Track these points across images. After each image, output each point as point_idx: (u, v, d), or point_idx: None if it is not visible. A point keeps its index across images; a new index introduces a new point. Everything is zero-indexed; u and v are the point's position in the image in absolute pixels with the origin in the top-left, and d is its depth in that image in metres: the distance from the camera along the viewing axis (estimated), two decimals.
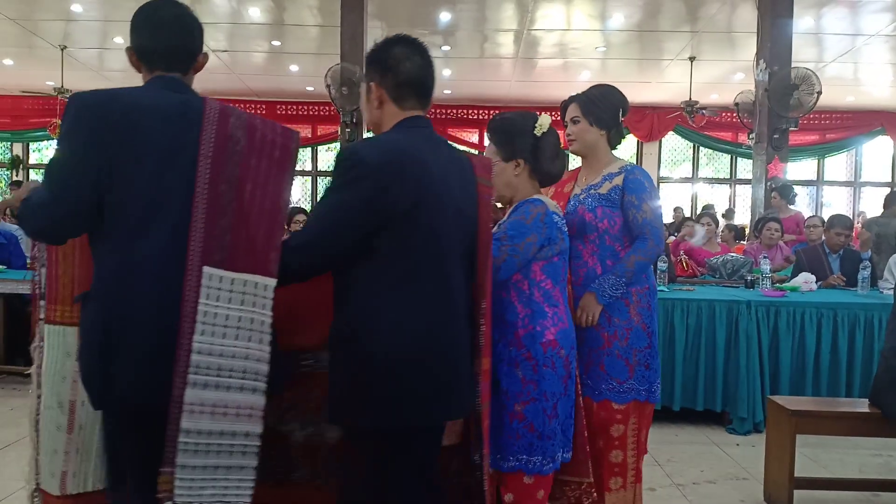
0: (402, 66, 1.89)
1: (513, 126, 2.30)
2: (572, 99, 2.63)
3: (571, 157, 2.62)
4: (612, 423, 2.48)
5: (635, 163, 13.32)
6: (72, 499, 1.88)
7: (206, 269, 1.58)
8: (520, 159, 2.26)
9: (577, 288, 2.50)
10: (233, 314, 1.60)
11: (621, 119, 2.61)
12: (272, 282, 1.65)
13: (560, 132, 2.38)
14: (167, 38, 1.77)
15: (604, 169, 2.59)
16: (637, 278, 2.47)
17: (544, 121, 2.28)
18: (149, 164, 1.60)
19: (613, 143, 2.65)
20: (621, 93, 2.64)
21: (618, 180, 2.53)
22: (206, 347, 1.57)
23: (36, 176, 14.61)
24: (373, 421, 1.73)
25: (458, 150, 1.98)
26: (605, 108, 2.58)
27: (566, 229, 2.27)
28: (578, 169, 2.73)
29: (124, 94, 1.70)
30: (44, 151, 14.70)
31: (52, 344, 1.86)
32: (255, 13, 8.63)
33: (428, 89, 1.90)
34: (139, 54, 1.82)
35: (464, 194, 1.86)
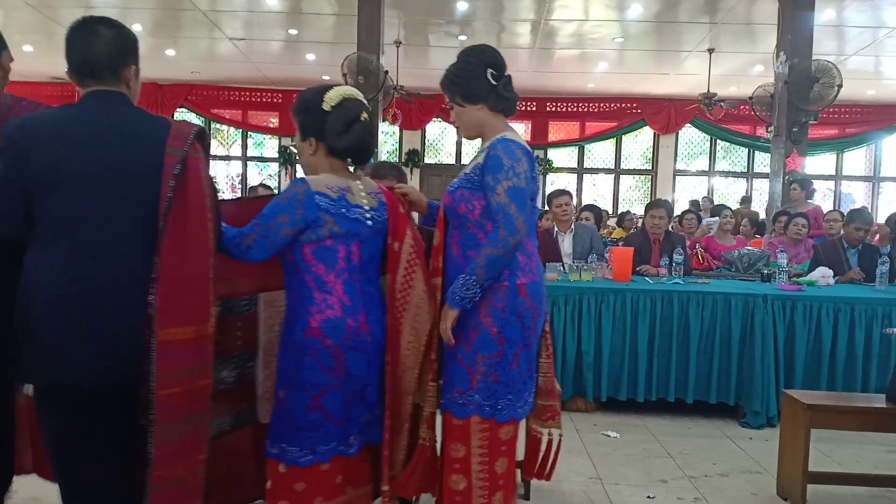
0: (73, 47, 1.95)
1: (302, 104, 2.20)
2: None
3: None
4: (451, 441, 2.17)
5: (651, 156, 13.32)
6: None
7: None
8: (311, 138, 2.18)
9: (446, 282, 2.22)
10: None
11: (494, 81, 2.22)
12: None
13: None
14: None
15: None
16: (491, 275, 2.08)
17: (332, 94, 2.14)
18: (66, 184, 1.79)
19: (500, 109, 2.27)
20: (484, 50, 2.28)
21: (481, 158, 2.20)
22: None
23: None
24: (24, 376, 1.85)
25: (159, 121, 1.93)
26: (468, 80, 2.23)
27: (350, 212, 2.10)
28: None
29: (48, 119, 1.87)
30: None
31: None
32: (273, 2, 8.64)
33: (90, 63, 1.92)
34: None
35: (135, 163, 1.84)
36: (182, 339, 1.81)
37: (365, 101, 2.23)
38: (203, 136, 1.91)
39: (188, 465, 1.87)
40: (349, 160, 2.21)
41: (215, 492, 2.22)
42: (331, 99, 2.14)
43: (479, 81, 2.22)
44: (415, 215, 2.45)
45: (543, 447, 2.45)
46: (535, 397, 2.33)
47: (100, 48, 1.91)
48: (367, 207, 2.15)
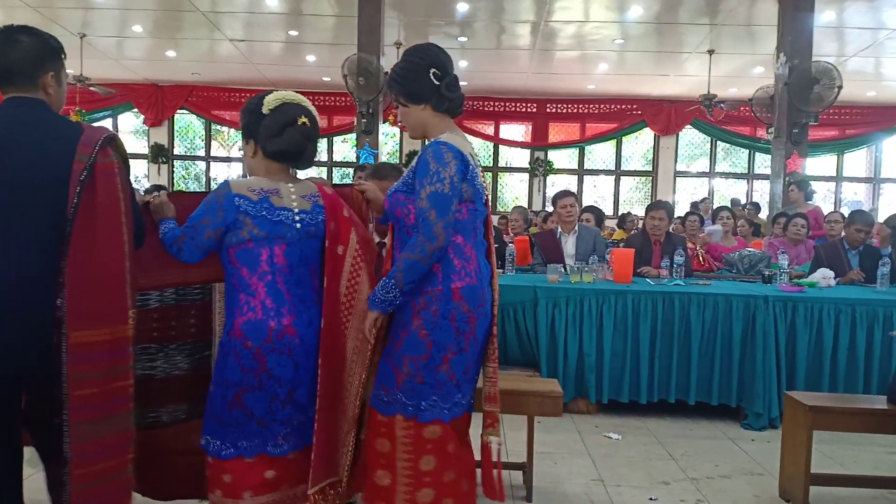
0: None
1: (246, 107, 2.24)
2: None
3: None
4: (377, 436, 2.17)
5: (652, 157, 13.31)
6: None
7: None
8: (251, 140, 2.22)
9: None
10: None
11: (437, 81, 2.19)
12: None
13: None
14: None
15: None
16: (410, 279, 2.07)
17: (272, 98, 2.18)
18: None
19: (444, 110, 2.24)
20: (429, 49, 2.25)
21: (415, 161, 2.18)
22: None
23: None
24: None
25: (73, 127, 1.98)
26: (410, 80, 2.21)
27: (272, 215, 2.11)
28: None
29: None
30: None
31: None
32: (273, 3, 8.63)
33: (7, 70, 1.99)
34: None
35: (44, 168, 1.88)
36: (96, 341, 1.86)
37: (308, 107, 2.25)
38: (113, 141, 1.96)
39: (113, 465, 1.91)
40: (287, 163, 2.24)
41: (180, 482, 2.34)
42: (270, 102, 2.18)
43: (421, 81, 2.20)
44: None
45: (495, 456, 2.34)
46: (484, 403, 2.28)
47: (16, 55, 1.99)
48: (296, 210, 2.16)
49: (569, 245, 5.28)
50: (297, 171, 2.32)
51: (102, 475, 1.88)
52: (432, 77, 2.19)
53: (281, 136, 2.16)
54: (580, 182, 14.04)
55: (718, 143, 13.80)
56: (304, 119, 2.19)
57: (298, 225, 2.15)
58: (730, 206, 9.51)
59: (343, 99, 12.74)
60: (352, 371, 2.21)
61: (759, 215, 9.87)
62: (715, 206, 9.82)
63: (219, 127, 14.09)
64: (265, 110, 2.17)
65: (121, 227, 1.92)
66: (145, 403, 2.28)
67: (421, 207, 2.06)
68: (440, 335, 2.11)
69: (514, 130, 14.11)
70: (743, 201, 12.82)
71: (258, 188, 2.13)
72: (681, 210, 10.60)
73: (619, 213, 11.94)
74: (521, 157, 14.23)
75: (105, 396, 1.87)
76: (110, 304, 1.89)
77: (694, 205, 11.33)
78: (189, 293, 2.38)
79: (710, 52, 9.87)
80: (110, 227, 1.90)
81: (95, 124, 13.50)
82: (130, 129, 14.48)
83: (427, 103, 2.22)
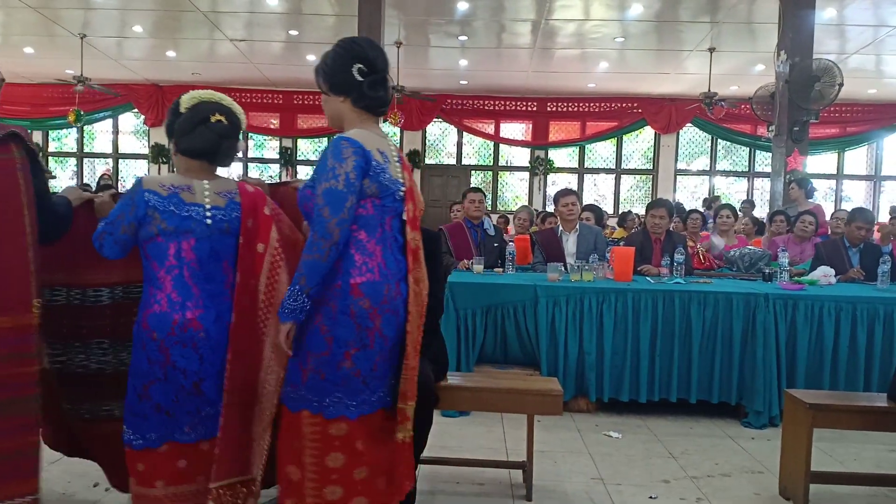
0: None
1: (171, 106, 2.32)
2: None
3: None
4: (286, 432, 2.16)
5: (652, 156, 13.28)
6: None
7: None
8: (171, 138, 2.31)
9: None
10: None
11: (360, 77, 2.17)
12: None
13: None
14: None
15: None
16: (314, 281, 2.03)
17: (188, 97, 2.26)
18: None
19: (363, 107, 2.21)
20: (358, 43, 2.24)
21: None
22: None
23: (55, 164, 14.74)
24: None
25: None
26: (334, 70, 2.20)
27: (181, 210, 2.16)
28: None
29: None
30: (63, 140, 14.83)
31: None
32: (273, 2, 8.64)
33: None
34: None
35: None
36: None
37: (227, 105, 2.30)
38: (15, 138, 2.08)
39: (15, 444, 2.04)
40: (202, 160, 2.27)
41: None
42: (185, 102, 2.26)
43: (344, 74, 2.19)
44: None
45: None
46: (400, 400, 2.21)
47: None
48: (208, 206, 2.21)
49: (570, 243, 5.28)
50: (219, 167, 2.35)
51: (4, 452, 2.01)
52: (356, 72, 2.18)
53: (192, 133, 2.22)
54: (580, 180, 14.04)
55: (719, 141, 13.80)
56: (218, 117, 2.24)
57: (209, 221, 2.19)
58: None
59: None
60: (269, 369, 2.21)
61: (753, 213, 9.86)
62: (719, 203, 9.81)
63: None
64: (182, 109, 2.25)
65: (22, 219, 2.04)
66: (101, 397, 2.44)
67: (316, 204, 2.05)
68: (340, 331, 2.09)
69: (515, 129, 14.12)
70: (744, 199, 12.83)
71: (169, 184, 2.19)
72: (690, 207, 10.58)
73: (620, 212, 11.94)
74: (522, 156, 14.23)
75: (8, 379, 2.00)
76: (12, 293, 2.02)
77: (707, 201, 11.33)
78: (132, 290, 2.47)
79: (711, 49, 9.88)
80: (12, 221, 2.03)
81: (96, 124, 13.42)
82: (131, 129, 14.50)
83: (347, 97, 2.21)
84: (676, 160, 13.76)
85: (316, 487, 2.10)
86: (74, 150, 14.61)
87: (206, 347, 2.15)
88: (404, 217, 2.22)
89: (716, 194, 12.81)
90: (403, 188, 2.22)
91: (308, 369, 2.11)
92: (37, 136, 14.30)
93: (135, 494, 2.21)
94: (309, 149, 14.21)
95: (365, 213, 2.13)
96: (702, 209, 9.38)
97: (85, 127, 13.90)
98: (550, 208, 11.40)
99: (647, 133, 13.83)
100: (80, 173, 14.35)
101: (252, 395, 2.21)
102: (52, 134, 14.55)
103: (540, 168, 13.78)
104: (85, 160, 14.53)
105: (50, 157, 14.59)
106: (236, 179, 2.36)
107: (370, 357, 2.13)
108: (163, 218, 2.14)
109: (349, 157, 2.07)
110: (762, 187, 13.43)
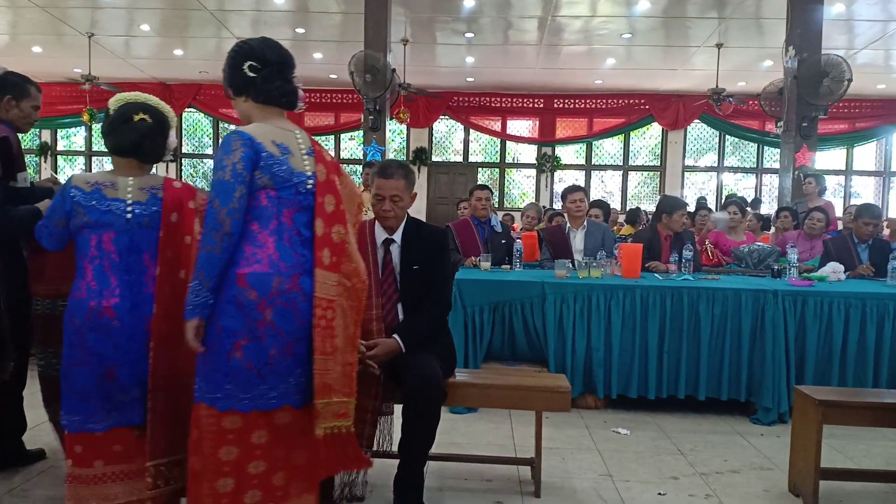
0: None
1: (104, 111, 2.48)
2: None
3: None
4: (191, 422, 2.14)
5: (660, 152, 13.21)
6: None
7: None
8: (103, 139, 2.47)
9: None
10: None
11: (252, 73, 2.23)
12: None
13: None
14: None
15: None
16: (211, 274, 2.04)
17: (115, 99, 2.44)
18: None
19: (264, 101, 2.26)
20: (247, 42, 2.29)
21: None
22: None
23: (64, 162, 14.81)
24: None
25: None
26: (230, 73, 2.26)
27: (101, 205, 2.31)
28: None
29: None
30: (72, 138, 14.90)
31: None
32: (280, 0, 8.65)
33: None
34: None
35: None
36: None
37: (152, 105, 2.46)
38: None
39: None
40: (127, 157, 2.40)
41: None
42: (113, 103, 2.43)
43: (238, 75, 2.25)
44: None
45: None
46: (315, 396, 2.12)
47: None
48: (129, 201, 2.34)
49: (577, 240, 5.27)
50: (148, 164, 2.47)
51: None
52: (247, 70, 2.23)
53: (116, 132, 2.38)
54: (588, 177, 14.02)
55: (727, 137, 13.76)
56: (141, 116, 2.39)
57: (129, 215, 2.33)
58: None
59: (350, 96, 12.75)
60: (190, 361, 2.24)
61: (760, 210, 9.85)
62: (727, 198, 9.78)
63: (227, 125, 14.13)
64: (110, 111, 2.42)
65: None
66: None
67: (209, 198, 2.09)
68: (228, 321, 2.07)
69: (522, 126, 14.10)
70: (753, 196, 12.79)
71: (94, 181, 2.35)
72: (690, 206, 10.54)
73: (628, 209, 11.92)
74: (529, 153, 14.22)
75: None
76: None
77: (730, 197, 11.24)
78: None
79: (719, 45, 9.84)
80: None
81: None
82: None
83: (247, 95, 2.25)
84: (684, 156, 13.72)
85: (211, 479, 2.07)
86: (83, 149, 14.67)
87: (121, 335, 2.25)
88: (327, 210, 2.19)
89: (732, 192, 12.74)
90: (311, 181, 2.21)
91: (202, 362, 2.11)
92: (45, 135, 14.38)
93: (70, 476, 2.28)
94: None
95: (258, 204, 2.13)
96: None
97: (93, 125, 13.96)
98: (557, 205, 11.40)
99: (655, 129, 13.80)
100: (88, 172, 14.42)
101: (183, 381, 2.25)
102: (61, 132, 14.62)
103: (547, 165, 13.76)
104: (93, 158, 14.59)
105: (59, 156, 14.67)
106: (165, 176, 2.50)
107: (263, 350, 2.08)
108: (85, 212, 2.30)
109: (237, 150, 2.09)
110: (770, 183, 13.38)
